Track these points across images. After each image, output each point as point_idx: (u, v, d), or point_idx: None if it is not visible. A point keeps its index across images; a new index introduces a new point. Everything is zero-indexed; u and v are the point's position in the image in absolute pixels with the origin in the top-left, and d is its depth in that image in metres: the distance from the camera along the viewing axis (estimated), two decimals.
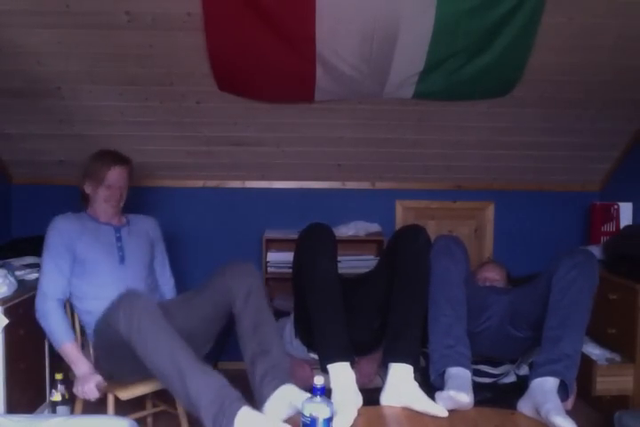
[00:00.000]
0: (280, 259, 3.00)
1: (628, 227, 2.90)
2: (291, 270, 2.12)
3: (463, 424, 1.64)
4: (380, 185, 3.26)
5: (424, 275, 1.96)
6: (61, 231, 2.10)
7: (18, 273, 2.44)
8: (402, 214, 3.29)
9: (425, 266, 1.97)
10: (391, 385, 1.77)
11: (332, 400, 1.57)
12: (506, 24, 2.34)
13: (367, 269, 2.35)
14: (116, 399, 1.96)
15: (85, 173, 2.20)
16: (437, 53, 2.44)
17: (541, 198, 3.32)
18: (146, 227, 2.32)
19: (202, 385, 1.61)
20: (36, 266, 2.59)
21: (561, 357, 1.75)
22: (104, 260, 2.12)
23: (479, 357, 2.08)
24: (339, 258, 2.03)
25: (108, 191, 2.17)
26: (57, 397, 2.11)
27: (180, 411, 2.17)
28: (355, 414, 1.64)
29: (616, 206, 3.05)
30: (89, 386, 1.93)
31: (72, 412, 2.08)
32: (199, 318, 2.01)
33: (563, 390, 1.72)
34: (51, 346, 2.44)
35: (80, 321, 2.15)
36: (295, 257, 2.06)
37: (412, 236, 2.02)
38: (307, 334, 2.10)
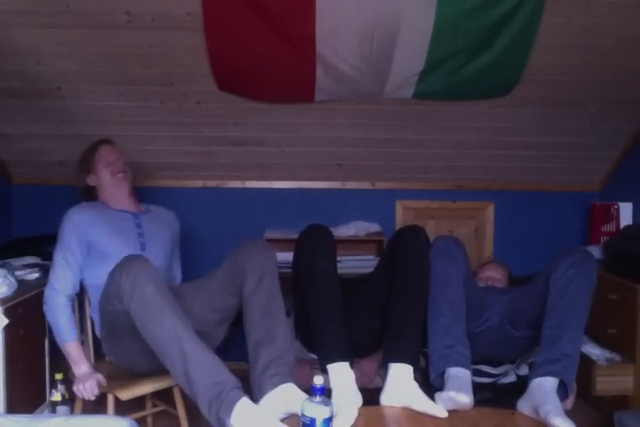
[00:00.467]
0: (280, 259, 2.88)
1: (627, 227, 2.89)
2: (290, 271, 2.12)
3: (463, 424, 1.64)
4: (379, 185, 3.26)
5: (423, 275, 1.96)
6: (76, 222, 2.07)
7: (18, 273, 2.44)
8: (402, 214, 3.29)
9: (424, 266, 1.97)
10: (391, 385, 1.77)
11: (332, 400, 1.57)
12: (506, 24, 2.34)
13: (367, 269, 2.36)
14: (116, 399, 1.95)
15: (81, 168, 2.24)
16: (437, 53, 2.44)
17: (541, 198, 3.31)
18: (168, 218, 2.33)
19: (202, 366, 1.59)
20: (37, 266, 2.60)
21: (560, 356, 1.74)
22: (123, 246, 2.06)
23: (479, 357, 2.08)
24: (338, 258, 2.03)
25: (109, 167, 2.19)
26: (57, 397, 2.12)
27: (180, 411, 2.17)
28: (355, 414, 1.64)
29: (616, 206, 3.04)
30: (90, 383, 1.92)
31: (72, 412, 2.08)
32: (209, 297, 1.98)
33: (562, 390, 1.72)
34: (51, 346, 2.46)
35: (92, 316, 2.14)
36: (294, 257, 2.07)
37: (412, 236, 2.02)
38: (306, 335, 2.10)
